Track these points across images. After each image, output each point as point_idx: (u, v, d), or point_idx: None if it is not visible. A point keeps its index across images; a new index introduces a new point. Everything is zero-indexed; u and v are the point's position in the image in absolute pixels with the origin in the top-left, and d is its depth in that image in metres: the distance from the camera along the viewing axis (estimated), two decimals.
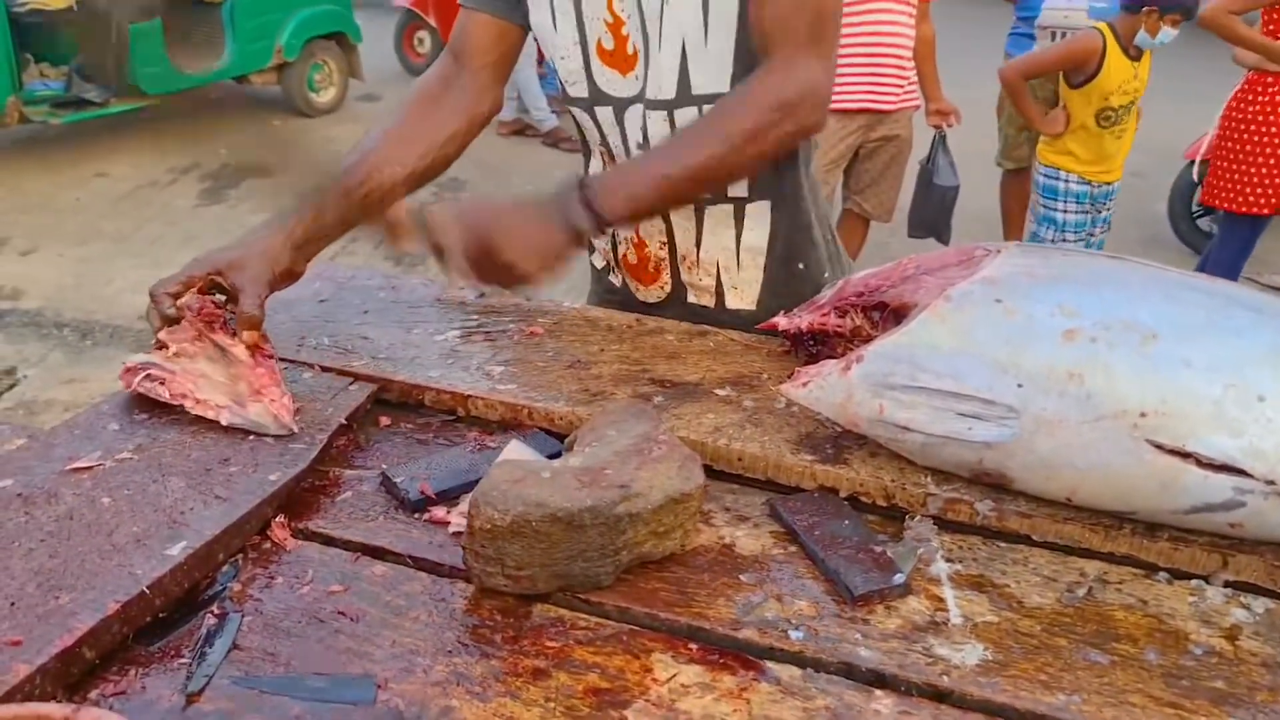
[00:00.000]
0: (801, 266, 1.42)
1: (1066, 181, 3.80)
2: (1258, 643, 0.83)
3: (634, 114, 1.32)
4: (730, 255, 1.38)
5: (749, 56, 1.25)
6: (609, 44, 1.29)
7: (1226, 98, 3.99)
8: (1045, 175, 3.86)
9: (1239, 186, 3.92)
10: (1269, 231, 4.18)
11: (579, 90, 1.34)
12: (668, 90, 1.27)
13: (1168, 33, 3.56)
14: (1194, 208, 5.14)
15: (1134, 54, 3.64)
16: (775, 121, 1.15)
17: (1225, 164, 3.95)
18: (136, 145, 6.38)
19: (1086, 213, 3.85)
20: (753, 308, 1.42)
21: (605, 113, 1.34)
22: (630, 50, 1.28)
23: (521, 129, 6.88)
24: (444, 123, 1.34)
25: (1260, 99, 3.81)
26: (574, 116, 1.40)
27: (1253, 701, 0.77)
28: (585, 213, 1.13)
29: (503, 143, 6.68)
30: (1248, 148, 3.87)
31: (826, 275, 1.44)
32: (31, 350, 3.88)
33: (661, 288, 1.44)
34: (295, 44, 6.95)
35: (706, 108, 1.27)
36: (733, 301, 1.42)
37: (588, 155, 1.47)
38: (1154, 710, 0.76)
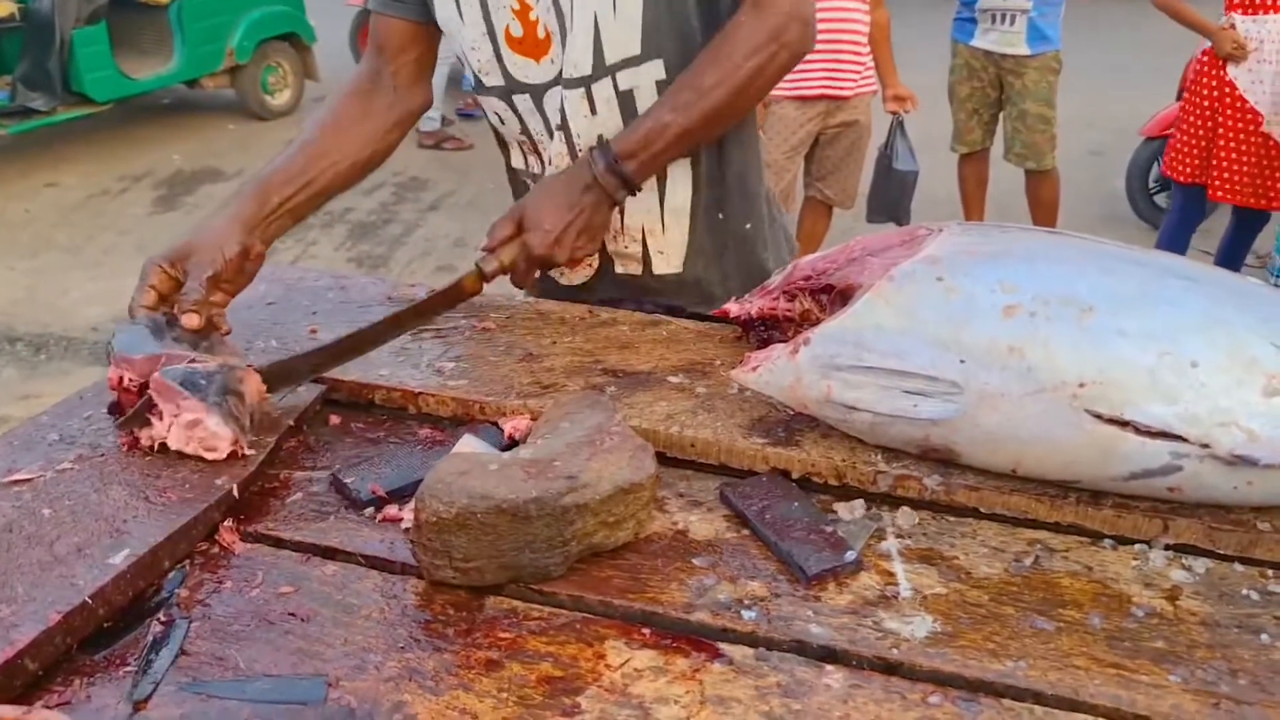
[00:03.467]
0: (721, 216, 1.41)
1: None
2: (1197, 602, 0.85)
3: (553, 97, 1.32)
4: (655, 218, 1.38)
5: (657, 18, 1.26)
6: (517, 31, 1.29)
7: (1181, 75, 4.07)
8: None
9: (1183, 157, 4.00)
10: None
11: (493, 80, 1.35)
12: (584, 67, 1.28)
13: None
14: (1151, 184, 5.21)
15: None
16: (772, 53, 1.23)
17: (1178, 134, 4.03)
18: (86, 154, 6.27)
19: None
20: (679, 270, 1.41)
21: (523, 100, 1.34)
22: (541, 34, 1.28)
23: (444, 140, 6.71)
24: (379, 116, 1.38)
25: (1195, 68, 3.90)
26: (489, 111, 1.40)
27: (1192, 659, 0.78)
28: (617, 181, 1.24)
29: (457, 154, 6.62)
30: (1194, 120, 3.95)
31: (749, 226, 1.44)
32: None
33: (589, 265, 1.43)
34: (247, 46, 6.87)
35: (621, 75, 1.28)
36: (660, 266, 1.41)
37: (506, 149, 1.47)
38: (1097, 672, 0.77)
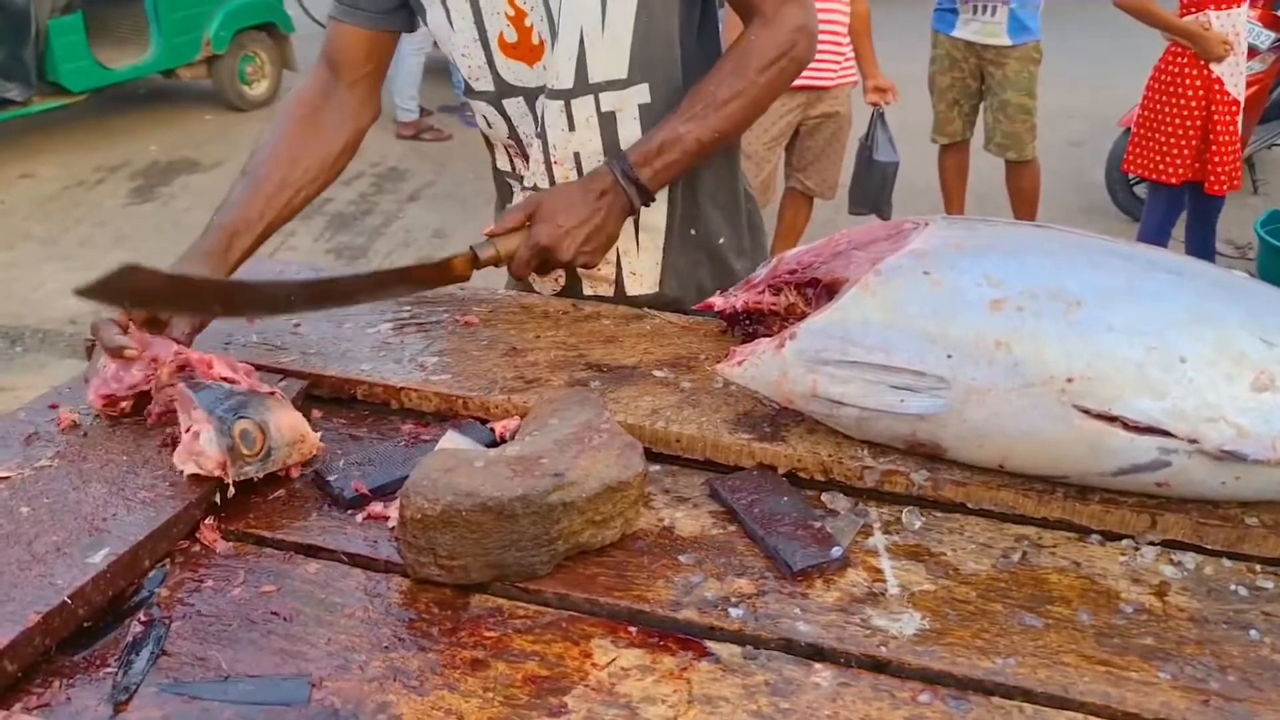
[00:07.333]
0: (694, 233, 1.41)
1: None
2: (1185, 598, 0.85)
3: (541, 103, 1.31)
4: (629, 238, 1.38)
5: (645, 44, 1.27)
6: (511, 37, 1.28)
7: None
8: None
9: (1152, 156, 4.02)
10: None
11: (484, 85, 1.33)
12: (565, 80, 1.27)
13: None
14: (1130, 175, 5.23)
15: None
16: (783, 68, 1.29)
17: (1142, 133, 4.06)
18: (62, 144, 6.19)
19: None
20: (654, 291, 1.41)
21: (514, 104, 1.33)
22: (536, 40, 1.28)
23: (422, 131, 6.61)
24: (332, 139, 1.35)
25: (1171, 69, 3.91)
26: (477, 115, 1.39)
27: (1180, 655, 0.78)
28: (634, 189, 1.26)
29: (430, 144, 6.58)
30: (1160, 118, 3.97)
31: (722, 240, 1.43)
32: None
33: (556, 281, 1.43)
34: (224, 36, 6.78)
35: (605, 96, 1.29)
36: (633, 287, 1.41)
37: (492, 149, 1.45)
38: (1086, 669, 0.77)
